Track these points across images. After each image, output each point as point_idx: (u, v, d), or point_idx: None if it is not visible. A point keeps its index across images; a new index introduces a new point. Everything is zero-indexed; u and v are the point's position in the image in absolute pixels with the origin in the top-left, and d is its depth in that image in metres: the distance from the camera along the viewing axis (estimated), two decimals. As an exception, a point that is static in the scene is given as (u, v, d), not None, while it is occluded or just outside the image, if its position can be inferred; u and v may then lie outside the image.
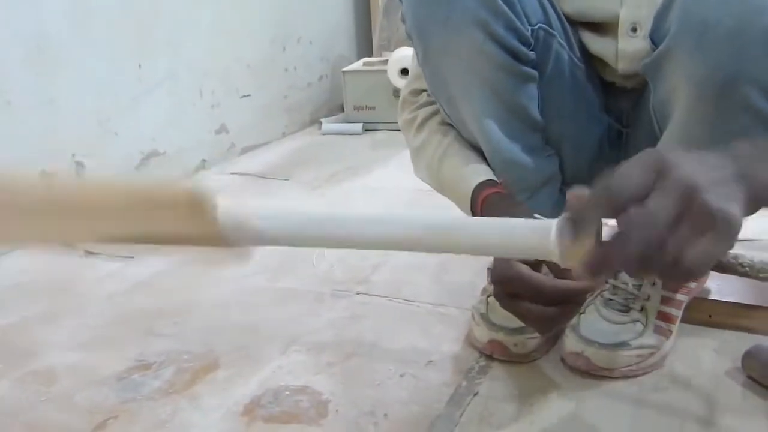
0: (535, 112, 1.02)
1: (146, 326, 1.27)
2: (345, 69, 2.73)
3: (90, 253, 1.58)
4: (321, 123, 2.77)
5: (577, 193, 0.58)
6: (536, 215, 0.91)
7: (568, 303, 0.83)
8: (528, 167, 1.03)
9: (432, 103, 1.11)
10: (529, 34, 0.97)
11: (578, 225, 0.58)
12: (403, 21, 1.00)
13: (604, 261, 0.56)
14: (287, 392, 1.05)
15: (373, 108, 2.67)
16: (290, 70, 2.74)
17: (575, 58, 1.03)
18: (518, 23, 0.95)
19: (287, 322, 1.26)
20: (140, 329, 1.26)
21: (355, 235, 0.67)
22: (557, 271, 0.85)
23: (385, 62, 2.61)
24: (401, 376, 1.08)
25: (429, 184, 1.15)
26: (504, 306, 0.87)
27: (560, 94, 1.03)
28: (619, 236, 0.55)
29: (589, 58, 1.05)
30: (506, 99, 0.99)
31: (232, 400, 1.04)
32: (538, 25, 0.99)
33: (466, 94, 1.00)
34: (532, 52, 0.98)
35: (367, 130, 2.67)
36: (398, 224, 0.66)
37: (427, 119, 1.12)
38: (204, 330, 1.25)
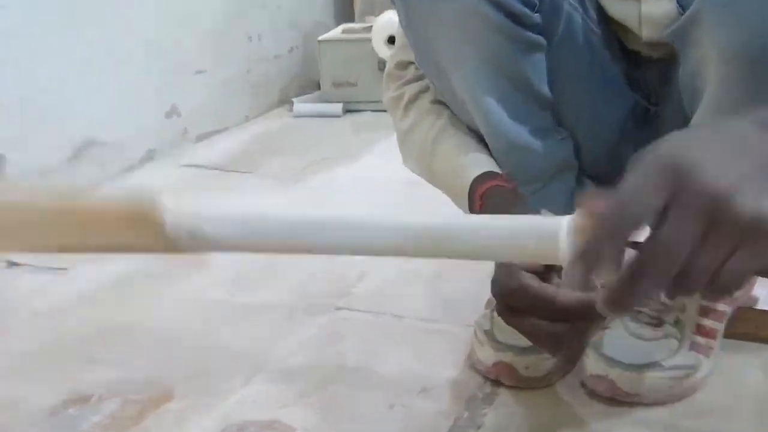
0: (543, 87, 1.03)
1: (83, 351, 1.28)
2: (321, 38, 2.74)
3: (13, 264, 1.59)
4: (292, 103, 2.78)
5: (587, 211, 0.59)
6: (544, 211, 0.93)
7: (584, 319, 0.83)
8: (536, 152, 1.05)
9: (422, 77, 1.13)
10: None
11: (588, 264, 0.59)
12: None
13: (624, 296, 0.58)
14: (252, 428, 1.06)
15: (354, 84, 2.69)
16: (254, 40, 2.75)
17: (590, 22, 1.05)
18: None
19: (252, 344, 1.27)
20: (76, 354, 1.27)
21: (331, 239, 0.69)
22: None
23: (369, 29, 2.62)
24: (390, 407, 1.09)
25: (420, 176, 1.16)
26: (508, 322, 0.88)
27: (573, 65, 1.04)
28: (639, 265, 0.57)
29: (608, 23, 1.07)
30: (507, 71, 1.00)
31: (187, 437, 1.06)
32: None
33: (459, 65, 1.01)
34: (537, 14, 0.99)
35: (347, 111, 2.68)
36: (381, 227, 0.67)
37: (416, 97, 1.14)
38: (153, 354, 1.26)
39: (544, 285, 0.84)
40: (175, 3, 2.40)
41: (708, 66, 0.91)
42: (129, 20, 2.22)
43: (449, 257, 0.68)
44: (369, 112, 2.62)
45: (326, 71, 2.73)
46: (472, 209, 1.03)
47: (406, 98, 1.14)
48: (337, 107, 2.68)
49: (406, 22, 1.02)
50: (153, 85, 2.34)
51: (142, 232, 0.67)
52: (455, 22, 0.97)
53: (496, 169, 1.04)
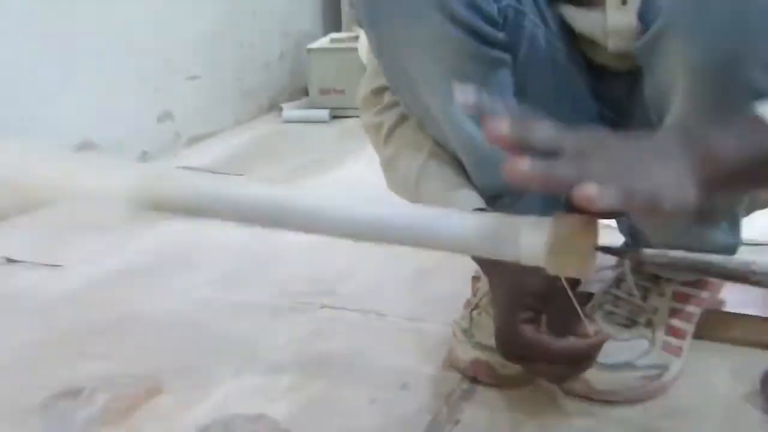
0: (511, 101, 1.03)
1: (74, 345, 1.27)
2: (309, 46, 2.75)
3: (10, 261, 1.58)
4: (281, 109, 2.77)
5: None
6: None
7: (575, 360, 0.92)
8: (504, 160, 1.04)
9: (397, 103, 1.13)
10: (495, 12, 0.98)
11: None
12: (353, 6, 1.01)
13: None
14: (240, 421, 1.06)
15: (341, 92, 2.69)
16: (245, 47, 2.75)
17: (553, 38, 1.05)
18: (480, 1, 0.96)
19: (240, 341, 1.27)
20: (68, 348, 1.26)
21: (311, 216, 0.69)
22: (560, 323, 0.92)
23: (356, 38, 2.62)
24: (372, 402, 1.09)
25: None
26: (513, 363, 0.97)
27: (538, 80, 1.04)
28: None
29: (574, 39, 1.07)
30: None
31: (176, 430, 1.05)
32: (506, 2, 1.00)
33: (430, 84, 1.01)
34: (501, 33, 0.99)
35: (334, 117, 2.69)
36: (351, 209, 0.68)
37: (395, 127, 1.13)
38: (144, 350, 1.26)
39: (540, 336, 0.91)
40: (169, 11, 2.39)
41: (675, 78, 0.91)
42: (125, 28, 2.22)
43: (418, 246, 0.69)
44: (355, 118, 2.60)
45: (314, 78, 2.73)
46: None
47: (385, 128, 1.13)
48: (325, 113, 2.68)
49: (377, 47, 1.01)
50: (147, 90, 2.33)
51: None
52: (423, 44, 0.97)
53: (482, 205, 1.03)
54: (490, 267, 1.07)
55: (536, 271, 0.98)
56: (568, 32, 1.06)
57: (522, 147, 0.64)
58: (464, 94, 0.66)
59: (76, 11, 2.06)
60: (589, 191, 0.60)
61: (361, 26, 1.01)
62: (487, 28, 0.97)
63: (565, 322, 0.93)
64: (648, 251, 0.65)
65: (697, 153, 0.66)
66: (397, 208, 0.70)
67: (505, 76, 1.01)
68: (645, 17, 0.93)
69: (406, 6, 0.95)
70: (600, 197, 0.60)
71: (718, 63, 0.84)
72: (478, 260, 1.09)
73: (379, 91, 1.15)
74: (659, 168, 0.64)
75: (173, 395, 1.13)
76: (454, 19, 0.94)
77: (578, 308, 0.91)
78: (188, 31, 2.47)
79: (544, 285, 0.97)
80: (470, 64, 0.98)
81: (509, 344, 0.94)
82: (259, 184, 0.72)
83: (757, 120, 0.68)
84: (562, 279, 0.92)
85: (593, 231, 0.62)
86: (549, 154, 0.64)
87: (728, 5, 0.83)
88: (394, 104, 1.13)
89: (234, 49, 2.69)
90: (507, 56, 1.00)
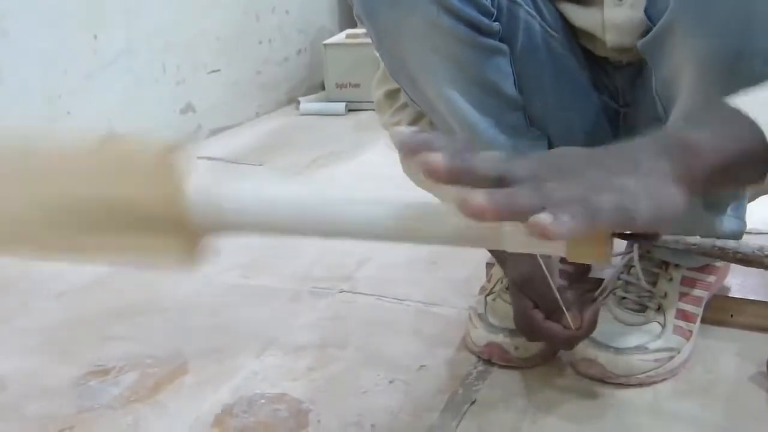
0: (511, 89, 1.02)
1: (104, 327, 1.28)
2: (326, 42, 2.74)
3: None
4: (299, 102, 2.77)
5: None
6: None
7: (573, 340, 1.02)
8: (510, 150, 1.04)
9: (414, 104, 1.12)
10: (488, 3, 0.97)
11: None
12: (351, 2, 1.00)
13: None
14: (263, 400, 1.06)
15: (357, 86, 2.68)
16: (264, 43, 2.74)
17: (549, 29, 1.04)
18: None
19: (262, 323, 1.27)
20: (97, 331, 1.27)
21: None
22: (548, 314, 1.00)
23: (371, 34, 2.61)
24: (390, 382, 1.09)
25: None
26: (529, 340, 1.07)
27: (537, 68, 1.04)
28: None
29: (573, 32, 1.06)
30: (474, 75, 1.00)
31: (201, 409, 1.05)
32: None
33: (429, 74, 1.00)
34: (496, 23, 0.98)
35: (350, 110, 2.68)
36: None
37: (413, 125, 1.13)
38: (169, 331, 1.26)
39: (547, 321, 1.00)
40: (192, 8, 2.39)
41: (682, 73, 0.90)
42: (149, 23, 2.22)
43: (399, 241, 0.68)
44: (370, 112, 2.61)
45: (331, 73, 2.73)
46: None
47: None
48: (341, 106, 2.67)
49: (376, 39, 1.01)
50: (171, 83, 2.33)
51: (158, 188, 0.64)
52: (420, 34, 0.96)
53: None
54: (501, 257, 1.08)
55: (525, 262, 1.00)
56: (567, 25, 1.06)
57: (466, 180, 0.56)
58: (397, 136, 0.59)
59: (103, 7, 2.06)
60: (543, 220, 0.53)
61: (359, 20, 1.01)
62: (481, 19, 0.97)
63: (551, 313, 1.00)
64: (665, 237, 0.64)
65: (676, 154, 0.60)
66: (415, 206, 0.68)
67: (504, 65, 1.00)
68: (651, 13, 0.92)
69: (401, 0, 0.95)
70: (557, 224, 0.53)
71: (725, 56, 0.83)
72: (492, 250, 1.09)
73: (392, 94, 1.15)
74: (630, 178, 0.58)
75: (197, 375, 1.13)
76: (448, 10, 0.94)
77: (560, 303, 0.98)
78: (210, 27, 2.48)
79: (528, 276, 0.99)
80: (466, 52, 0.98)
81: (522, 328, 1.04)
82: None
83: (735, 113, 0.63)
84: (546, 273, 0.95)
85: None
86: (502, 184, 0.56)
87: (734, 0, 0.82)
88: (408, 104, 1.12)
89: (253, 44, 2.69)
90: (503, 45, 1.00)
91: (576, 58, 1.07)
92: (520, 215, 0.54)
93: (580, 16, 1.04)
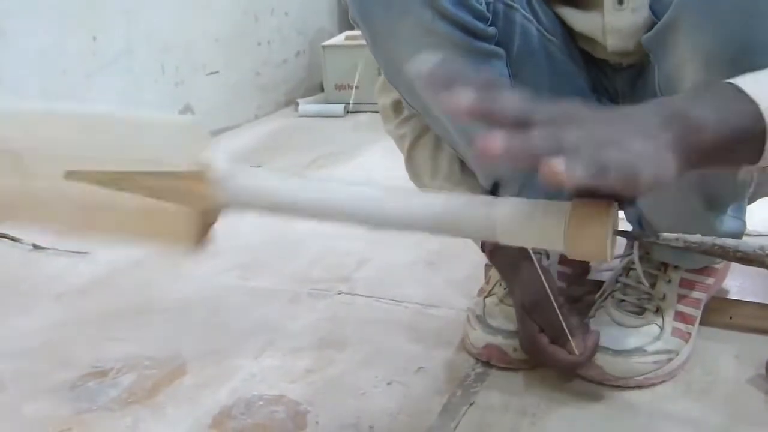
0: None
1: (102, 328, 1.27)
2: (325, 44, 2.74)
3: (38, 247, 1.58)
4: (298, 104, 2.77)
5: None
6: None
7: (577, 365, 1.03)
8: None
9: (416, 115, 1.12)
10: (483, 8, 0.97)
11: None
12: (348, 7, 1.00)
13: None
14: (261, 402, 1.06)
15: (356, 87, 2.68)
16: (263, 45, 2.74)
17: (546, 33, 1.04)
18: None
19: (261, 325, 1.27)
20: (95, 332, 1.26)
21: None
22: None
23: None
24: (388, 384, 1.09)
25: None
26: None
27: (534, 72, 1.03)
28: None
29: (573, 35, 1.06)
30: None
31: (199, 410, 1.05)
32: None
33: None
34: (492, 27, 0.98)
35: (349, 111, 2.68)
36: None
37: (417, 140, 1.14)
38: (168, 333, 1.26)
39: (551, 346, 1.01)
40: (191, 10, 2.39)
41: (686, 69, 0.90)
42: (149, 24, 2.22)
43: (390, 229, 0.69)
44: (368, 113, 2.61)
45: (330, 75, 2.73)
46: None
47: (409, 140, 1.15)
48: (339, 108, 2.67)
49: (372, 43, 1.01)
50: (169, 84, 2.33)
51: (194, 184, 0.67)
52: (415, 38, 0.96)
53: None
54: (508, 278, 1.10)
55: (532, 287, 1.01)
56: (565, 28, 1.06)
57: (488, 119, 0.59)
58: (423, 64, 0.60)
59: (101, 9, 2.06)
60: (557, 166, 0.55)
61: (355, 24, 1.01)
62: (476, 23, 0.97)
63: (556, 338, 1.01)
64: (665, 235, 0.64)
65: (677, 125, 0.62)
66: (425, 197, 0.68)
67: (500, 67, 1.00)
68: (655, 9, 0.92)
69: (395, 5, 0.94)
70: (570, 171, 0.55)
71: (729, 52, 0.83)
72: (499, 269, 1.10)
73: (397, 105, 1.15)
74: (637, 140, 0.60)
75: (196, 376, 1.13)
76: (443, 15, 0.94)
77: (565, 329, 0.99)
78: (209, 28, 2.48)
79: (535, 301, 1.00)
80: (462, 57, 0.97)
81: (527, 351, 1.05)
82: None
83: (735, 91, 0.65)
84: (552, 299, 0.99)
85: (611, 216, 0.61)
86: (520, 126, 0.58)
87: None
88: (413, 115, 1.13)
89: (252, 46, 2.69)
90: (499, 49, 1.00)
91: (574, 61, 1.07)
92: (533, 158, 0.56)
93: (579, 21, 1.04)
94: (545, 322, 1.01)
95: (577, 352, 0.99)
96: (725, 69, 0.83)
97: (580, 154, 0.56)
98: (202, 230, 0.70)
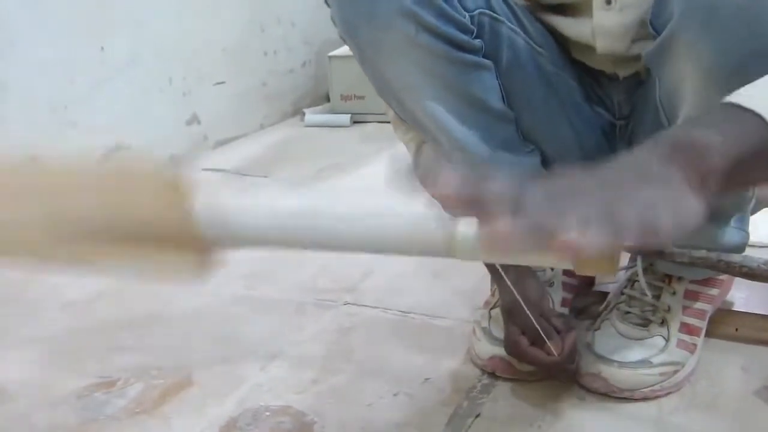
0: (498, 103, 1.02)
1: (109, 339, 1.28)
2: (331, 54, 2.74)
3: (45, 258, 1.58)
4: (304, 114, 2.77)
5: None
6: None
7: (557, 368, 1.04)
8: (501, 163, 1.04)
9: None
10: (467, 20, 0.98)
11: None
12: (335, 24, 1.01)
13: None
14: (267, 413, 1.06)
15: (362, 98, 2.68)
16: (270, 55, 2.74)
17: (534, 44, 1.04)
18: (450, 10, 0.96)
19: (267, 335, 1.27)
20: (102, 342, 1.27)
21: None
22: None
23: (376, 46, 2.61)
24: (395, 395, 1.09)
25: None
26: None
27: (524, 84, 1.04)
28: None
29: (566, 46, 1.07)
30: (458, 90, 1.00)
31: (206, 420, 1.05)
32: (478, 10, 0.99)
33: (412, 90, 1.01)
34: (477, 40, 0.99)
35: (355, 122, 2.68)
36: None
37: (420, 146, 1.14)
38: (174, 343, 1.26)
39: (531, 347, 1.02)
40: (197, 20, 2.39)
41: (685, 82, 0.90)
42: (156, 35, 2.22)
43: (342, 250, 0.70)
44: (375, 123, 2.61)
45: (336, 85, 2.72)
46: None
47: (414, 146, 1.15)
48: (346, 118, 2.67)
49: (359, 57, 1.01)
50: (176, 94, 2.34)
51: (168, 209, 0.66)
52: (400, 51, 0.97)
53: None
54: (498, 279, 1.10)
55: (511, 291, 1.01)
56: (555, 39, 1.06)
57: (479, 207, 0.55)
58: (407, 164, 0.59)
59: (109, 20, 2.07)
60: (571, 239, 0.52)
61: (342, 40, 1.02)
62: (460, 36, 0.97)
63: (536, 340, 1.02)
64: (671, 250, 0.64)
65: (682, 158, 0.58)
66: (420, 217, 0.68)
67: (488, 79, 1.01)
68: (656, 24, 0.93)
69: (378, 16, 0.95)
70: (585, 242, 0.52)
71: (731, 64, 0.83)
72: (491, 274, 1.10)
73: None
74: (645, 189, 0.56)
75: (202, 387, 1.13)
76: (426, 28, 0.95)
77: (540, 332, 1.00)
78: (216, 38, 2.48)
79: (515, 304, 1.01)
80: (448, 68, 0.98)
81: (510, 352, 1.06)
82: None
83: (737, 109, 0.61)
84: (522, 304, 0.99)
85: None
86: (518, 210, 0.54)
87: (739, 7, 0.82)
88: None
89: (259, 56, 2.69)
90: (486, 61, 1.00)
91: (567, 72, 1.07)
92: (545, 236, 0.53)
93: (569, 26, 1.04)
94: (524, 324, 1.02)
95: (555, 353, 1.00)
96: (727, 81, 0.83)
97: (591, 223, 0.53)
98: (201, 264, 0.69)
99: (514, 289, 0.99)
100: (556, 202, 0.55)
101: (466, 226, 0.62)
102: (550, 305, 1.09)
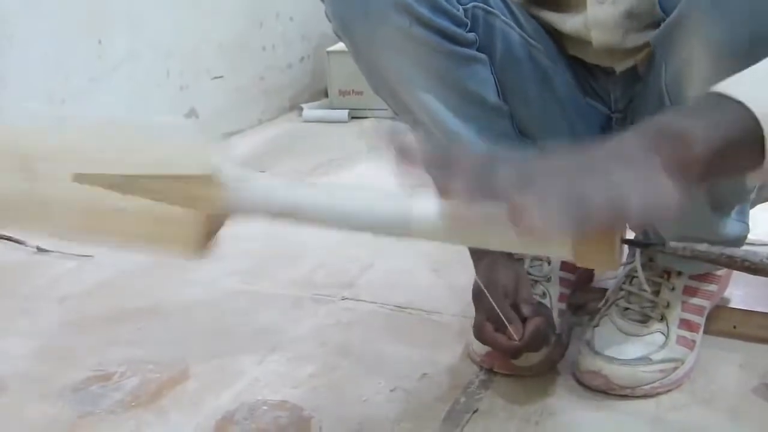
0: (493, 96, 1.03)
1: (106, 332, 1.27)
2: (329, 49, 2.73)
3: (42, 250, 1.58)
4: (302, 109, 2.77)
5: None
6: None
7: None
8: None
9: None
10: (461, 13, 0.98)
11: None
12: (329, 19, 1.01)
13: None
14: (264, 407, 1.06)
15: (360, 93, 2.67)
16: (268, 50, 2.74)
17: (529, 38, 1.05)
18: (444, 3, 0.96)
19: (264, 330, 1.26)
20: (99, 335, 1.26)
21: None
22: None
23: (375, 42, 2.61)
24: (392, 390, 1.08)
25: None
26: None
27: (519, 77, 1.04)
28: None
29: (561, 42, 1.07)
30: (452, 84, 1.00)
31: (202, 415, 1.05)
32: (472, 4, 1.00)
33: (407, 84, 1.01)
34: (471, 33, 0.99)
35: (353, 117, 2.67)
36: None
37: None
38: (171, 337, 1.25)
39: (494, 333, 1.02)
40: (195, 15, 2.39)
41: (694, 65, 0.89)
42: (153, 29, 2.22)
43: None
44: (373, 119, 2.61)
45: (334, 80, 2.72)
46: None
47: None
48: (344, 113, 2.67)
49: (353, 52, 1.02)
50: (174, 89, 2.33)
51: (201, 188, 0.68)
52: (394, 45, 0.97)
53: None
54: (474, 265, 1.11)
55: (478, 277, 1.03)
56: (550, 36, 1.06)
57: (448, 170, 0.58)
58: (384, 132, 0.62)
59: (107, 14, 2.07)
60: (532, 220, 0.53)
61: (337, 36, 1.01)
62: (454, 29, 0.98)
63: (499, 325, 1.02)
64: (672, 244, 0.64)
65: (664, 144, 0.59)
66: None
67: (482, 72, 1.01)
68: (665, 5, 0.93)
69: (372, 10, 0.95)
70: (547, 223, 0.53)
71: (740, 46, 0.82)
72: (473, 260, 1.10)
73: None
74: (617, 169, 0.57)
75: (199, 381, 1.13)
76: (420, 21, 0.95)
77: (501, 316, 1.00)
78: (213, 33, 2.47)
79: (478, 291, 1.04)
80: (442, 61, 0.99)
81: (476, 336, 1.06)
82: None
83: (722, 98, 0.62)
84: (484, 290, 1.01)
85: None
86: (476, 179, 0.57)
87: None
88: None
89: (257, 51, 2.69)
90: (480, 54, 1.00)
91: (562, 66, 1.07)
92: (503, 210, 0.55)
93: (564, 21, 1.05)
94: (487, 310, 1.03)
95: (516, 338, 1.00)
96: (735, 63, 0.83)
97: (554, 200, 0.54)
98: (207, 235, 0.70)
99: (476, 275, 1.01)
100: (524, 179, 0.56)
101: (425, 202, 0.62)
102: (529, 293, 1.08)
